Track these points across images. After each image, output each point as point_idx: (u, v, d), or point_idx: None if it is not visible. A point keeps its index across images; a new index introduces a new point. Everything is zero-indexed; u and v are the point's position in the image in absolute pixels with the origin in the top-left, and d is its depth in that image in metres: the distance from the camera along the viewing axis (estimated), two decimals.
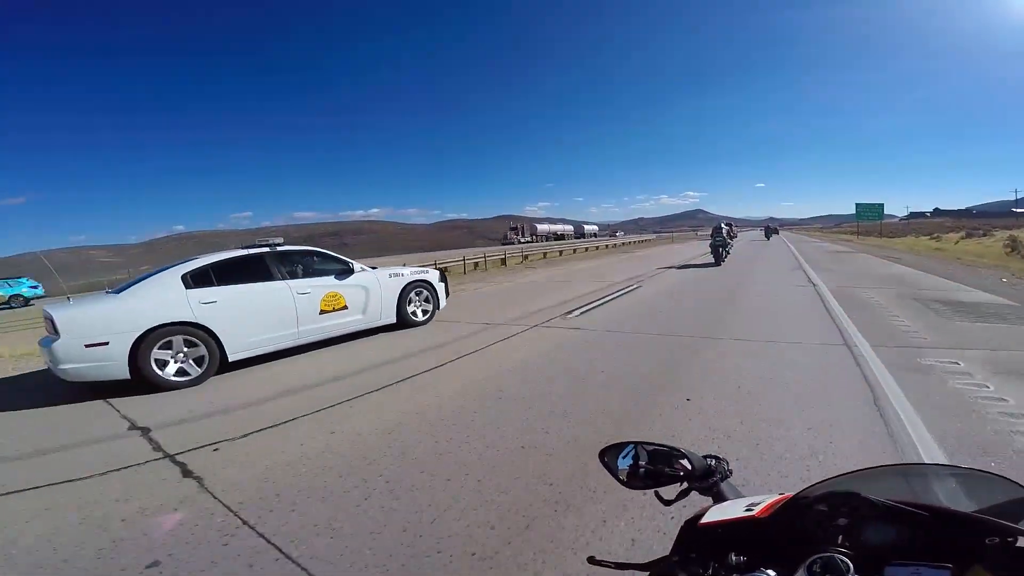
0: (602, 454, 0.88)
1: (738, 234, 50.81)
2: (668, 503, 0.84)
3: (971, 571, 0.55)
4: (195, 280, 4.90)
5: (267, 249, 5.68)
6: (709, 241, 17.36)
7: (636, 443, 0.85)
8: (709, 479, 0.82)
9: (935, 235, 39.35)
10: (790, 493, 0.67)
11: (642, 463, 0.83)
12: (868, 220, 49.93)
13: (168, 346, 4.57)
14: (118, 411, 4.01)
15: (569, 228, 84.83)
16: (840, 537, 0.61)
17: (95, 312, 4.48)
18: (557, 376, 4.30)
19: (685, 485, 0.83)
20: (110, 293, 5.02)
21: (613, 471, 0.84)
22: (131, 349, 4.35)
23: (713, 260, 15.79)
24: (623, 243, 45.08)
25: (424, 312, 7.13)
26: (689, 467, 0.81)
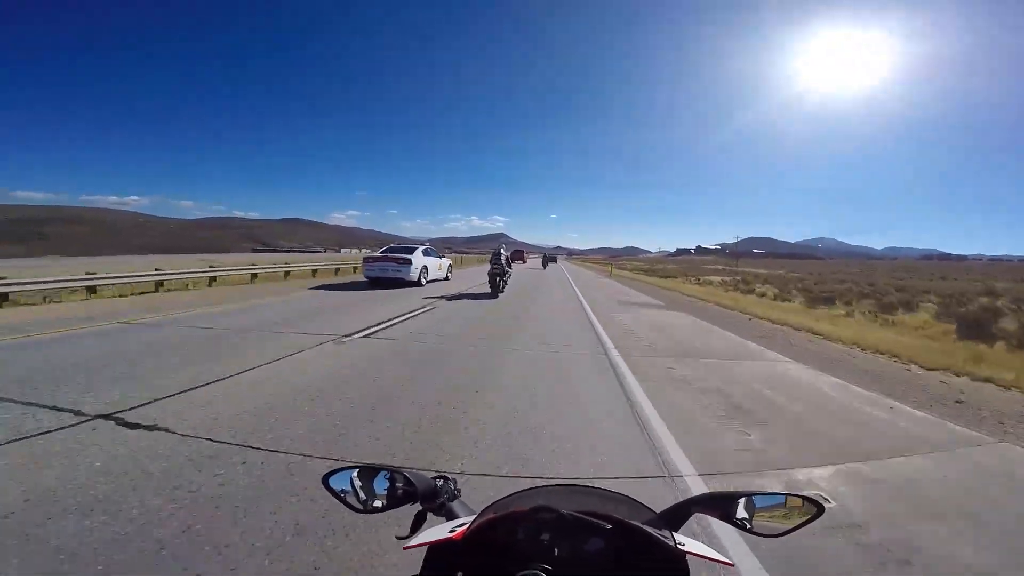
0: (325, 479, 0.83)
1: (528, 260, 58.49)
2: (400, 538, 0.79)
3: None
4: (423, 253, 15.62)
5: (430, 246, 16.63)
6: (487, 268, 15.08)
7: (358, 467, 0.83)
8: (436, 500, 0.84)
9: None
10: (506, 511, 0.70)
11: (364, 487, 0.82)
12: (629, 255, 74.56)
13: (424, 272, 15.24)
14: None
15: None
16: (545, 553, 0.65)
17: (417, 259, 14.90)
18: None
19: (419, 507, 0.83)
20: (419, 252, 15.09)
21: (339, 496, 0.81)
22: (420, 272, 14.95)
23: (490, 290, 13.97)
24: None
25: (447, 277, 17.63)
26: (413, 488, 0.81)
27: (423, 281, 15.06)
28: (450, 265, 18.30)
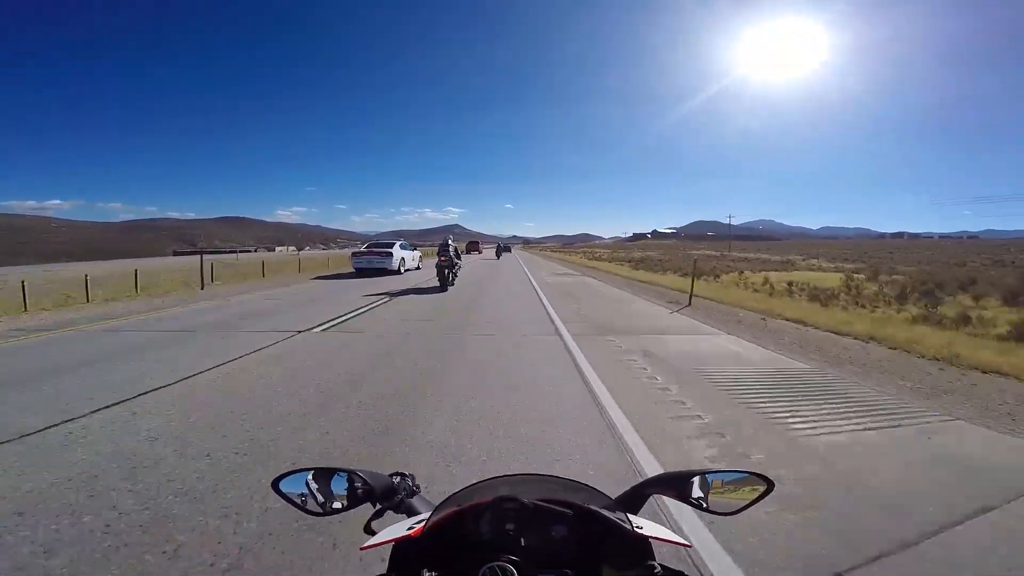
0: (275, 483, 0.80)
1: (483, 250, 58.21)
2: (367, 540, 0.75)
3: (604, 571, 0.64)
4: (400, 248, 18.83)
5: (404, 241, 20.02)
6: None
7: (312, 469, 0.81)
8: (394, 497, 0.83)
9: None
10: (468, 503, 0.70)
11: (320, 488, 0.80)
12: (583, 242, 77.82)
13: (403, 262, 18.39)
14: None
15: None
16: (512, 543, 0.66)
17: (396, 252, 18.11)
18: None
19: (378, 506, 0.82)
20: (397, 247, 18.13)
21: (292, 500, 0.79)
22: (399, 262, 18.12)
23: (439, 284, 13.61)
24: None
25: (418, 267, 20.73)
26: (370, 487, 0.80)
27: (402, 270, 18.00)
28: (420, 256, 21.66)
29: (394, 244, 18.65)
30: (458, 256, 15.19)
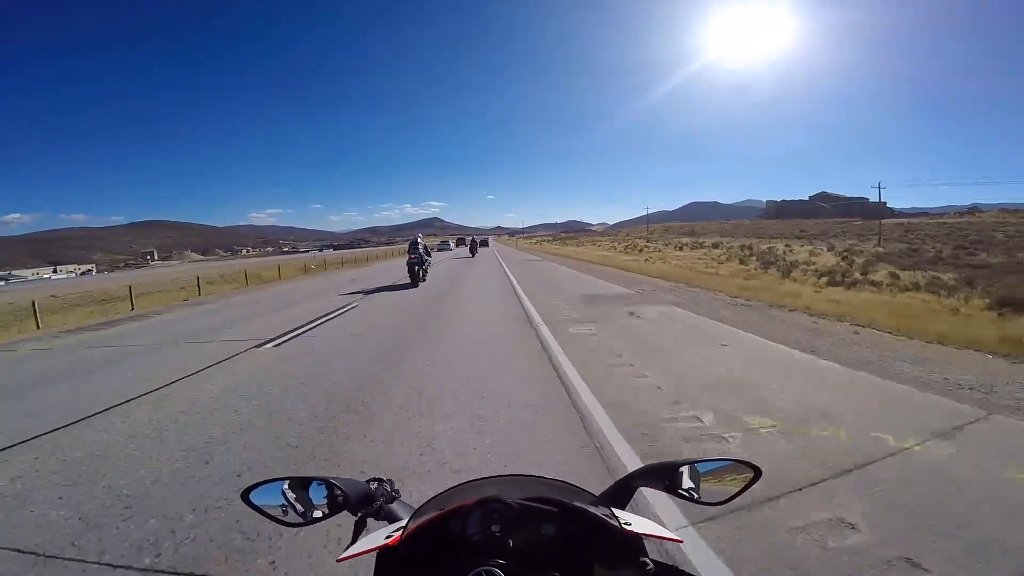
0: (245, 495, 0.77)
1: (455, 245, 54.66)
2: (347, 549, 0.73)
3: (596, 571, 0.63)
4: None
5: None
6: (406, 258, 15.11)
7: (283, 479, 0.78)
8: (372, 504, 0.80)
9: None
10: (449, 506, 0.67)
11: (298, 498, 0.77)
12: (575, 230, 75.93)
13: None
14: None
15: None
16: (499, 545, 0.63)
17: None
18: None
19: (359, 514, 0.79)
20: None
21: (266, 513, 0.76)
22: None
23: (410, 280, 14.12)
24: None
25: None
26: (346, 495, 0.77)
27: (426, 258, 18.56)
28: (427, 247, 23.23)
29: (419, 242, 20.02)
30: (428, 253, 15.68)
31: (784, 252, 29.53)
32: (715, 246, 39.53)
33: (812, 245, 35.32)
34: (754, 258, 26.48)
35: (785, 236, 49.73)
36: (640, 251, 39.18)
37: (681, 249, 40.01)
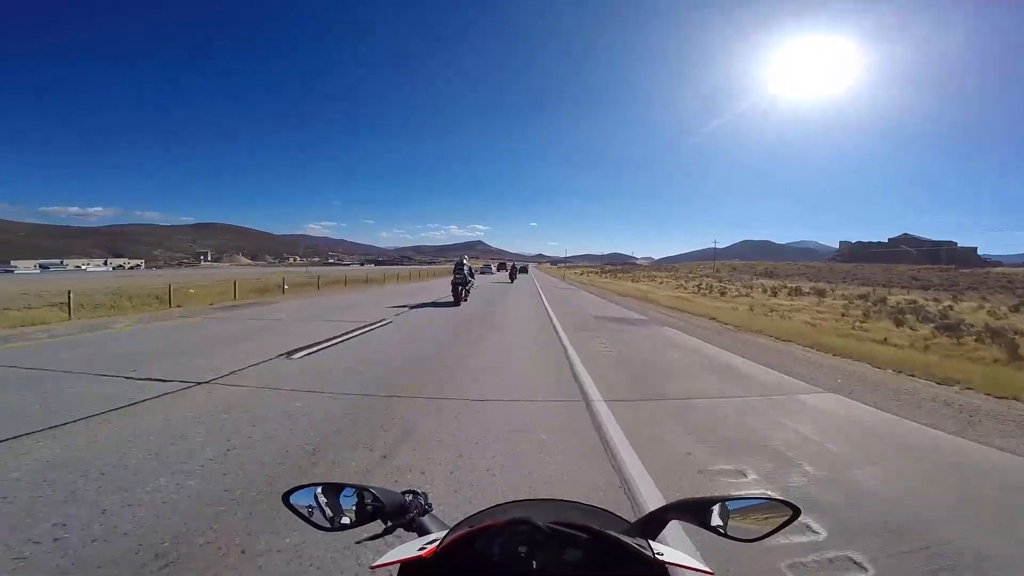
0: (286, 497, 0.80)
1: (497, 270, 58.37)
2: (377, 559, 0.75)
3: None
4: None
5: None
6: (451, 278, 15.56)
7: (322, 484, 0.81)
8: (406, 515, 0.81)
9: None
10: (480, 524, 0.68)
11: (330, 504, 0.79)
12: (618, 262, 75.51)
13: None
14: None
15: None
16: (523, 566, 0.64)
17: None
18: None
19: (388, 523, 0.81)
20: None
21: (301, 515, 0.79)
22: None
23: (453, 299, 14.53)
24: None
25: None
26: (381, 504, 0.79)
27: (469, 279, 17.16)
28: (471, 269, 20.57)
29: (464, 264, 18.00)
30: (472, 275, 16.26)
31: (937, 308, 22.17)
32: (820, 293, 31.56)
33: (953, 299, 27.67)
34: (907, 315, 19.19)
35: (891, 284, 42.41)
36: (722, 294, 30.65)
37: (775, 294, 31.91)
